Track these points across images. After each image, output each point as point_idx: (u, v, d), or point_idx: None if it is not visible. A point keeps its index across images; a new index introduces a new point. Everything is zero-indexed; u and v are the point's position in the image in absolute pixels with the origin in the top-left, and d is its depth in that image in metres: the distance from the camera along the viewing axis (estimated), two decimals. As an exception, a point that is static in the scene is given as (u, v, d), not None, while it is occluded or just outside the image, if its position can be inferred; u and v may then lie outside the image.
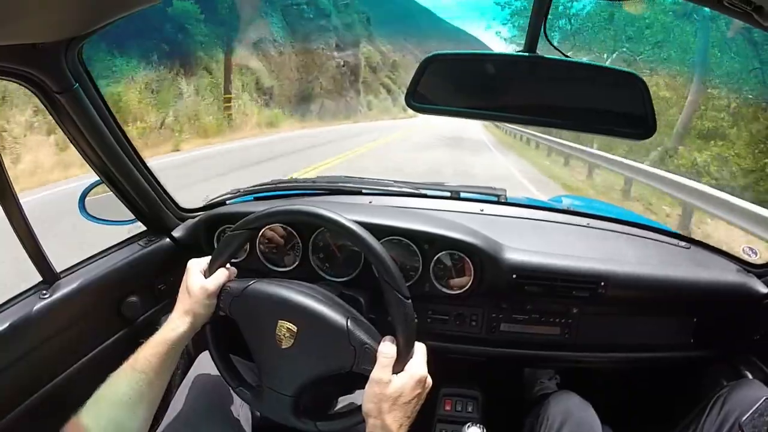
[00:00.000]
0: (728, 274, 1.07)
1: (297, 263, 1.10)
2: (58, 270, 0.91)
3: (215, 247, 1.14)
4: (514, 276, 1.03)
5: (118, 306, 1.03)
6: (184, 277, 0.78)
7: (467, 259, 1.04)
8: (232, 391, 0.84)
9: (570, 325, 1.09)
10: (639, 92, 0.73)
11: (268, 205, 1.22)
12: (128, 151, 0.96)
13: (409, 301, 0.70)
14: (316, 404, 0.86)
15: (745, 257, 1.11)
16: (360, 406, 0.70)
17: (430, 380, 0.71)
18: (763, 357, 1.04)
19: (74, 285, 0.92)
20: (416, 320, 0.71)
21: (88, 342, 0.96)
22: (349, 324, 0.71)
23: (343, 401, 0.99)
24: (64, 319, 0.90)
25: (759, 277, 1.06)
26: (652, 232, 1.20)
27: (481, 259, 1.03)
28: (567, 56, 0.75)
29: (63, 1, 0.61)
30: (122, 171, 0.97)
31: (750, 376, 1.02)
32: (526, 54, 0.74)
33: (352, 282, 1.06)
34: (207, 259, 0.81)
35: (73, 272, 0.95)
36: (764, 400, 0.85)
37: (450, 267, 1.06)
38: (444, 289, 1.06)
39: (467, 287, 1.05)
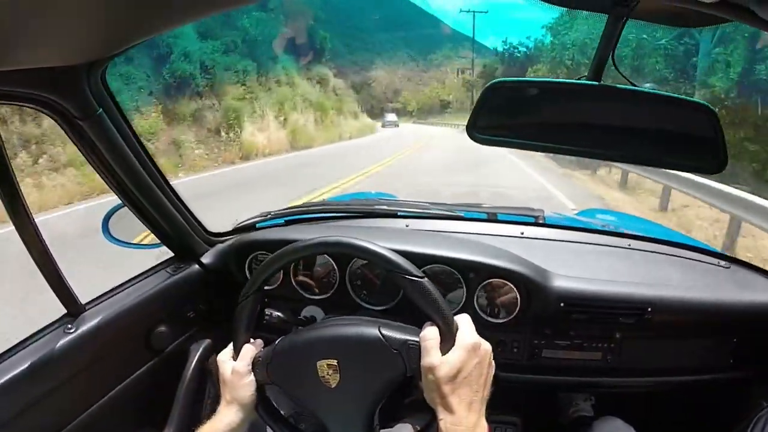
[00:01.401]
0: None
1: (334, 290, 1.07)
2: (83, 301, 0.88)
3: (246, 275, 1.13)
4: (562, 304, 1.00)
5: (147, 337, 0.98)
6: (219, 373, 0.76)
7: (513, 287, 1.01)
8: None
9: (612, 350, 1.06)
10: (710, 123, 0.70)
11: (300, 229, 1.19)
12: (154, 175, 0.92)
13: (424, 278, 0.67)
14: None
15: None
16: (425, 402, 0.65)
17: (486, 344, 0.66)
18: None
19: (101, 317, 0.88)
20: (439, 293, 0.67)
21: (115, 376, 0.92)
22: (382, 331, 0.68)
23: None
24: (90, 354, 0.86)
25: None
26: (693, 251, 1.19)
27: (528, 287, 1.00)
28: (635, 85, 0.71)
29: (85, 23, 0.56)
30: (148, 197, 0.93)
31: None
32: (594, 83, 0.70)
33: (392, 311, 1.03)
34: (230, 346, 0.78)
35: (99, 303, 0.91)
36: None
37: (495, 296, 1.03)
38: (489, 318, 1.03)
39: (513, 316, 1.02)
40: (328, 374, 0.68)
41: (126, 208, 0.97)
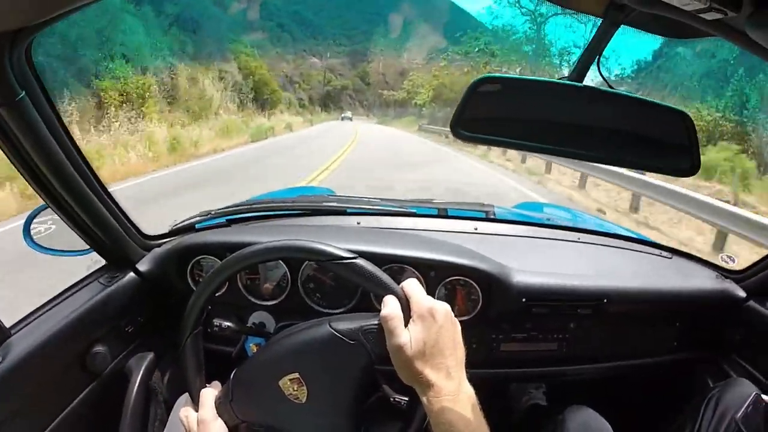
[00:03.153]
0: (710, 282, 1.16)
1: (285, 295, 1.00)
2: (8, 325, 0.74)
3: (189, 281, 1.03)
4: (524, 299, 1.02)
5: (83, 358, 0.86)
6: (187, 429, 0.70)
7: (475, 284, 1.00)
8: None
9: (567, 339, 1.11)
10: (685, 129, 0.72)
11: (243, 229, 1.11)
12: (83, 171, 0.79)
13: (354, 257, 0.64)
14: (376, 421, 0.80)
15: (724, 264, 1.20)
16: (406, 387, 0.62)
17: (442, 305, 0.61)
18: (745, 356, 1.13)
19: (29, 342, 0.75)
20: (372, 266, 0.64)
21: (51, 407, 0.80)
22: (332, 326, 0.64)
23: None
24: (20, 385, 0.73)
25: (737, 282, 1.15)
26: (637, 243, 1.26)
27: (491, 284, 1.00)
28: (615, 89, 0.72)
29: None
30: (76, 196, 0.79)
31: (733, 375, 1.11)
32: (577, 84, 0.70)
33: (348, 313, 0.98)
34: (186, 396, 0.72)
35: (25, 326, 0.78)
36: (754, 395, 0.92)
37: (456, 294, 1.02)
38: None
39: (474, 314, 1.02)
40: (294, 390, 0.64)
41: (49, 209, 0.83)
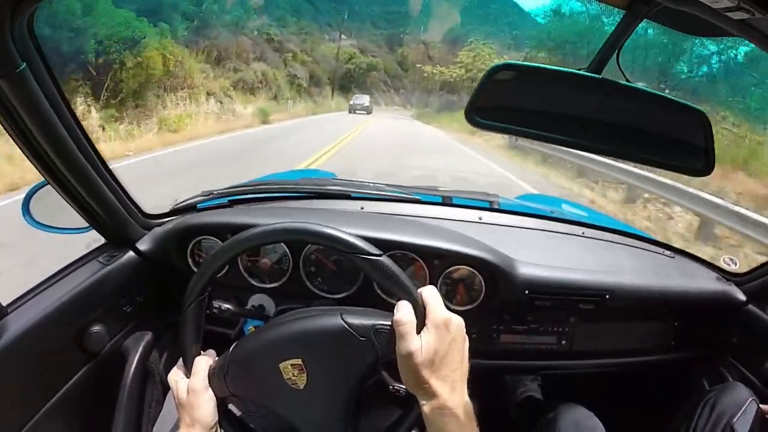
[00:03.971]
0: (711, 283, 1.16)
1: (286, 278, 0.99)
2: (4, 303, 0.73)
3: (189, 262, 1.01)
4: (527, 291, 1.01)
5: (80, 338, 0.85)
6: (172, 393, 0.68)
7: (478, 274, 1.00)
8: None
9: (567, 334, 1.11)
10: (701, 127, 0.71)
11: (245, 211, 1.09)
12: (84, 147, 0.77)
13: (382, 256, 0.63)
14: (374, 422, 0.79)
15: (725, 266, 1.20)
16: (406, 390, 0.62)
17: (457, 319, 0.62)
18: (740, 358, 1.13)
19: (26, 320, 0.74)
20: (398, 269, 0.63)
21: (48, 386, 0.80)
22: (345, 319, 0.62)
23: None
24: (17, 363, 0.72)
25: (738, 285, 1.15)
26: (641, 241, 1.26)
27: (494, 274, 0.99)
28: (632, 84, 0.71)
29: None
30: (76, 173, 0.78)
31: (729, 376, 1.12)
32: (596, 76, 0.69)
33: (350, 299, 0.98)
34: (180, 362, 0.70)
35: (23, 304, 0.77)
36: (750, 400, 0.94)
37: (459, 283, 1.01)
38: (452, 306, 1.01)
39: (477, 304, 1.01)
40: (293, 375, 0.63)
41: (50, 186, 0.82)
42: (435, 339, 0.59)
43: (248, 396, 0.66)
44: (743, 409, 0.93)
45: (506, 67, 0.69)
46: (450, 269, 0.99)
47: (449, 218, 1.15)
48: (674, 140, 0.73)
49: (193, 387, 0.65)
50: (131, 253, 0.97)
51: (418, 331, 0.59)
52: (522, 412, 1.31)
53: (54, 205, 0.89)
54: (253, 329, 0.98)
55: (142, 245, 0.98)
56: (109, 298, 0.91)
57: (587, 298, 1.05)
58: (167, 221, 1.04)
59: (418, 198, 1.20)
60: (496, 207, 1.24)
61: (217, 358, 0.69)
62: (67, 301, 0.81)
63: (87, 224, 0.91)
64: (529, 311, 1.06)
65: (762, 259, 1.15)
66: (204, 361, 0.68)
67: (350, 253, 0.62)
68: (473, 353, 1.08)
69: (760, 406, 0.96)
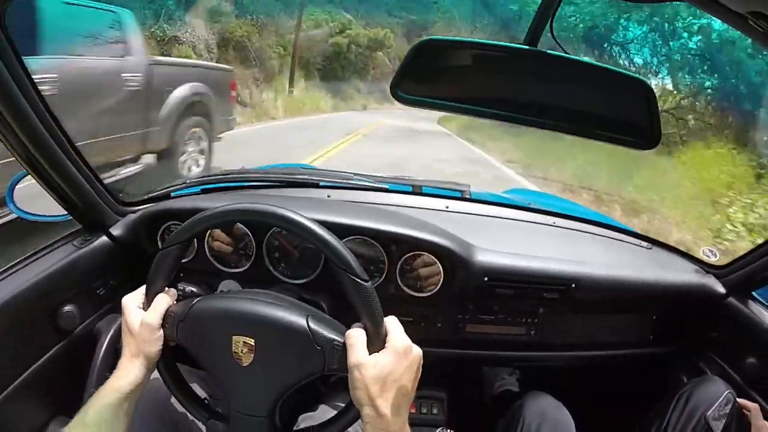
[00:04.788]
0: (689, 275, 1.11)
1: (250, 263, 1.01)
2: None
3: (158, 245, 1.03)
4: (486, 278, 1.00)
5: (53, 317, 0.89)
6: (123, 318, 0.69)
7: (436, 261, 0.99)
8: (189, 416, 0.75)
9: (536, 324, 1.08)
10: (646, 100, 0.68)
11: (216, 198, 1.11)
12: (57, 136, 0.81)
13: (368, 283, 0.63)
14: (298, 415, 0.80)
15: (705, 258, 1.15)
16: (350, 402, 0.63)
17: (417, 349, 0.64)
18: (720, 353, 1.09)
19: (1, 296, 0.78)
20: (377, 297, 0.63)
21: (20, 361, 0.83)
22: (310, 323, 0.63)
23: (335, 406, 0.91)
24: None
25: (717, 277, 1.10)
26: (616, 232, 1.22)
27: (452, 261, 0.98)
28: (570, 55, 0.68)
29: None
30: (50, 160, 0.82)
31: (708, 372, 1.08)
32: (528, 47, 0.67)
33: (311, 284, 0.99)
34: (141, 289, 0.71)
35: None
36: (726, 394, 0.91)
37: (418, 269, 1.00)
38: (411, 292, 1.01)
39: (436, 290, 1.00)
40: (242, 351, 0.64)
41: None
42: (392, 361, 0.60)
43: (191, 351, 0.67)
44: (718, 402, 0.90)
45: (433, 42, 0.68)
46: (408, 255, 0.99)
47: (416, 206, 1.14)
48: (617, 112, 0.70)
49: (148, 321, 0.66)
50: (104, 238, 1.00)
51: (374, 351, 0.61)
52: (498, 406, 1.28)
53: (35, 194, 0.93)
54: None
55: (116, 230, 1.02)
56: (81, 280, 0.95)
57: (551, 287, 1.02)
58: (141, 208, 1.08)
59: (386, 187, 1.20)
60: (466, 197, 1.22)
61: (176, 302, 0.70)
62: (39, 281, 0.85)
63: (65, 212, 0.95)
64: (491, 299, 1.04)
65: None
66: (164, 300, 0.68)
67: (341, 269, 0.62)
68: (440, 342, 1.07)
69: (738, 400, 0.92)
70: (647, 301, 1.10)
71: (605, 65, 0.69)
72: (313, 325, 0.63)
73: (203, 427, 0.76)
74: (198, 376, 0.82)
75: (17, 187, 0.94)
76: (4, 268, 0.85)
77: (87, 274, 0.96)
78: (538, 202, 1.33)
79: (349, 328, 0.64)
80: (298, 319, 0.63)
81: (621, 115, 0.69)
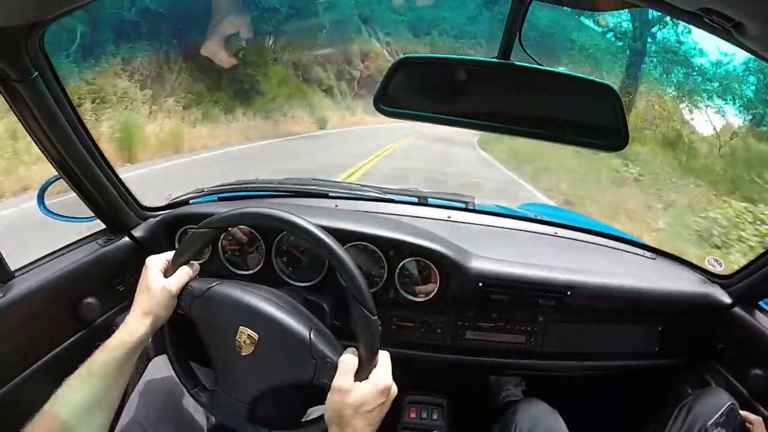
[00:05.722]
0: (693, 285, 1.09)
1: (260, 267, 1.07)
2: (13, 269, 0.87)
3: (176, 247, 1.13)
4: (480, 284, 1.02)
5: (75, 307, 0.97)
6: (143, 275, 0.75)
7: (433, 266, 1.03)
8: (187, 396, 0.81)
9: (536, 333, 1.08)
10: (612, 104, 0.72)
11: (232, 206, 1.15)
12: (88, 145, 0.91)
13: (375, 317, 0.68)
14: (275, 412, 0.84)
15: (710, 268, 1.13)
16: (322, 415, 0.67)
17: (395, 389, 0.69)
18: (726, 365, 1.06)
19: (29, 285, 0.87)
20: (380, 333, 0.68)
21: (42, 345, 0.91)
22: (312, 336, 0.69)
23: (311, 412, 0.96)
24: (17, 321, 0.85)
25: (723, 287, 1.08)
26: (620, 242, 1.21)
27: (447, 266, 1.01)
28: (541, 65, 0.73)
29: None
30: (81, 166, 0.92)
31: (713, 383, 1.04)
32: (499, 61, 0.73)
33: (315, 287, 1.04)
34: (167, 255, 0.77)
35: (28, 271, 0.90)
36: (729, 405, 0.88)
37: (415, 274, 1.04)
38: (409, 296, 1.04)
39: (432, 295, 1.04)
40: (244, 342, 0.70)
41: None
42: (370, 393, 0.65)
43: (198, 326, 0.73)
44: (720, 413, 0.88)
45: (411, 59, 0.75)
46: (406, 260, 1.03)
47: (419, 216, 1.19)
48: (587, 116, 0.74)
49: (168, 287, 0.72)
50: (126, 239, 1.10)
51: (360, 379, 0.66)
52: (499, 416, 1.28)
53: (64, 198, 1.04)
54: None
55: (137, 232, 1.11)
56: (103, 276, 1.04)
57: (546, 294, 1.03)
58: (161, 213, 1.16)
59: (391, 198, 1.25)
60: (470, 208, 1.25)
61: (199, 277, 0.76)
62: (65, 273, 0.94)
63: (92, 214, 1.05)
64: (489, 306, 1.05)
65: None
66: (187, 273, 0.74)
67: (356, 300, 0.68)
68: (441, 348, 1.11)
69: (741, 413, 0.89)
70: (651, 311, 1.08)
71: (574, 73, 0.74)
72: (314, 338, 0.69)
73: (195, 409, 0.84)
74: (203, 372, 0.88)
75: (47, 191, 1.03)
76: (34, 260, 0.94)
77: (109, 270, 1.05)
78: (545, 214, 1.35)
79: (346, 340, 0.69)
80: (303, 329, 0.69)
81: (592, 119, 0.73)
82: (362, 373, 0.67)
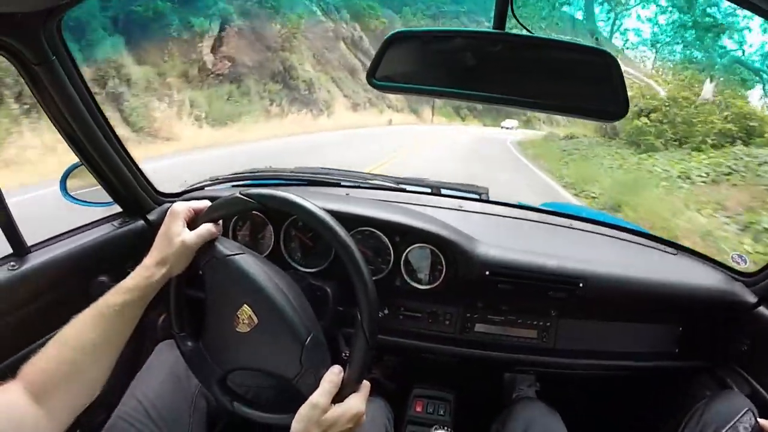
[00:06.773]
0: (716, 282, 1.03)
1: (269, 251, 1.08)
2: (30, 244, 0.90)
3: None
4: (487, 272, 0.99)
5: (87, 285, 1.01)
6: (166, 220, 0.73)
7: (439, 253, 1.01)
8: (190, 380, 0.83)
9: (548, 328, 1.05)
10: (611, 71, 0.69)
11: None
12: (105, 129, 0.95)
13: (373, 350, 0.68)
14: (244, 389, 0.84)
15: (734, 265, 1.07)
16: (288, 416, 0.67)
17: (364, 419, 0.69)
18: (749, 368, 0.99)
19: (44, 260, 0.90)
20: (371, 362, 0.69)
21: (53, 319, 0.92)
22: (308, 342, 0.68)
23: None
24: (29, 294, 0.88)
25: (748, 285, 1.02)
26: (638, 236, 1.17)
27: (453, 253, 1.00)
28: (534, 34, 0.72)
29: None
30: (98, 149, 0.95)
31: (735, 388, 0.97)
32: (494, 31, 0.71)
33: (320, 273, 1.04)
34: (193, 204, 0.74)
35: (44, 247, 0.94)
36: (746, 411, 0.82)
37: (421, 261, 1.03)
38: (415, 284, 1.03)
39: (439, 282, 1.02)
40: (243, 320, 0.70)
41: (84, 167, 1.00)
42: (343, 417, 0.66)
43: (206, 284, 0.73)
44: (736, 419, 0.81)
45: (404, 33, 0.74)
46: (412, 247, 1.02)
47: (430, 205, 1.17)
48: (584, 85, 0.72)
49: (188, 242, 0.70)
50: (141, 222, 1.13)
51: (336, 401, 0.66)
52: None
53: (84, 184, 1.09)
54: None
55: (152, 216, 1.15)
56: (117, 256, 1.06)
57: (556, 285, 0.99)
58: (177, 199, 1.19)
59: (403, 187, 1.24)
60: (483, 199, 1.23)
61: (224, 239, 0.75)
62: (79, 251, 0.97)
63: (109, 199, 1.09)
64: (497, 297, 1.03)
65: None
66: (209, 231, 0.72)
67: (360, 327, 0.68)
68: (449, 340, 1.08)
69: (759, 420, 0.82)
70: (669, 308, 1.03)
71: (569, 40, 0.72)
72: (309, 346, 0.68)
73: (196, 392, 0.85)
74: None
75: (70, 176, 1.09)
76: (49, 237, 0.97)
77: (121, 251, 1.07)
78: (561, 209, 1.31)
79: (348, 328, 0.69)
80: (303, 333, 0.69)
81: (590, 89, 0.71)
82: (341, 392, 0.67)
